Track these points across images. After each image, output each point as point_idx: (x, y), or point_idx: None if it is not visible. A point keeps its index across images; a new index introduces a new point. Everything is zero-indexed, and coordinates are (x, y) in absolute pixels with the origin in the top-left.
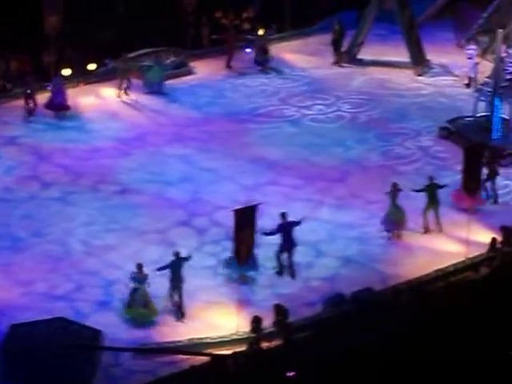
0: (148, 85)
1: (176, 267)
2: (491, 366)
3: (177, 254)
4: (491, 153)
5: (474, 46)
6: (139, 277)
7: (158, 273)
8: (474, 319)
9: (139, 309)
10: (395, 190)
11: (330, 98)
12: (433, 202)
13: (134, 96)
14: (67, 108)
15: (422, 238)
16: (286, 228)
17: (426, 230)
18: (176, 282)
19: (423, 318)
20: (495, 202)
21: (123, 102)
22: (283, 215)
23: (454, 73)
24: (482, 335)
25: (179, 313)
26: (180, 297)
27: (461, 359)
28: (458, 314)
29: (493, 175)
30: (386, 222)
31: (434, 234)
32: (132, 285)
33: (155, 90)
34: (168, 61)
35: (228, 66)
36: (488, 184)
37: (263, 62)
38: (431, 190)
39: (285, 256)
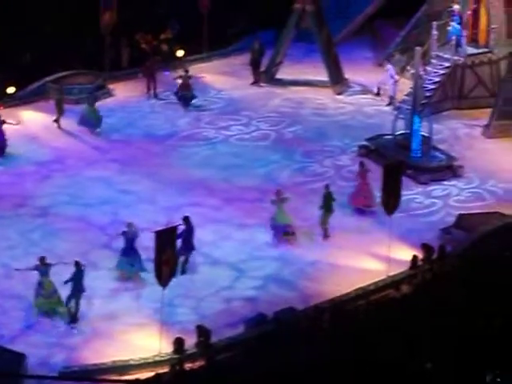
0: (84, 121)
1: (77, 277)
2: (410, 380)
3: (77, 264)
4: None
5: (391, 65)
6: (42, 269)
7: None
8: (396, 336)
9: (45, 300)
10: (279, 200)
11: (249, 118)
12: (328, 209)
13: (52, 119)
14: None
15: (343, 257)
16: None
17: (326, 236)
18: (76, 292)
19: (345, 337)
20: None
21: (43, 125)
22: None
23: (373, 91)
24: (404, 351)
25: (74, 318)
26: (77, 305)
27: (381, 374)
28: (379, 331)
29: None
30: (275, 226)
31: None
32: (38, 278)
33: (91, 127)
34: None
35: (155, 95)
36: None
37: (183, 98)
38: (327, 198)
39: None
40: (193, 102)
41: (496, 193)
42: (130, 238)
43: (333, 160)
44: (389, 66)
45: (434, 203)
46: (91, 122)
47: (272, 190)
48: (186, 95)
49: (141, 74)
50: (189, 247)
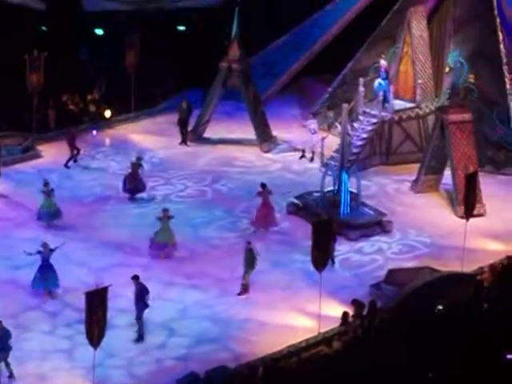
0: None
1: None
2: None
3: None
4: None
5: (313, 120)
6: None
7: None
8: None
9: None
10: (164, 217)
11: (177, 177)
12: (249, 265)
13: None
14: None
15: (274, 314)
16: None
17: (245, 290)
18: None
19: None
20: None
21: None
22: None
23: (300, 148)
24: None
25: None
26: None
27: None
28: None
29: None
30: (154, 243)
31: (283, 309)
32: None
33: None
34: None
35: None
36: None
37: (132, 190)
38: (249, 255)
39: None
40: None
41: (425, 247)
42: (46, 256)
43: None
44: (310, 123)
45: (364, 259)
46: (49, 213)
47: (200, 247)
48: (135, 186)
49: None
50: (142, 306)
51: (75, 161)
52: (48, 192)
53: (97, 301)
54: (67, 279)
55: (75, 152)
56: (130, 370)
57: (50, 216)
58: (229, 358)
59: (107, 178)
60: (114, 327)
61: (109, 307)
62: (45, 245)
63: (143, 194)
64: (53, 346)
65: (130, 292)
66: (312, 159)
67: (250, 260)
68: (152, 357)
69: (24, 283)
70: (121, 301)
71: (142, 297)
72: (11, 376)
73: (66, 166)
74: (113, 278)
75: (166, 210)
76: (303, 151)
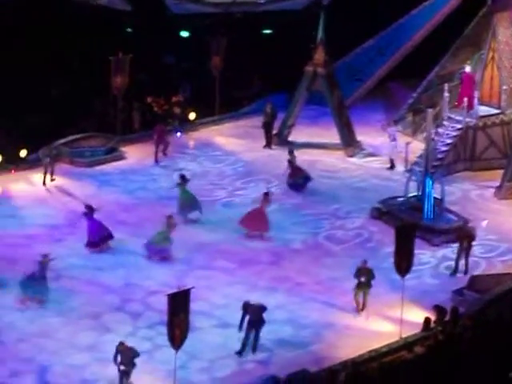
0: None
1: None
2: None
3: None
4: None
5: (394, 128)
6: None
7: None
8: None
9: None
10: (168, 224)
11: (261, 180)
12: (365, 284)
13: (64, 181)
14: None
15: (356, 319)
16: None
17: (358, 311)
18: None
19: None
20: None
21: (55, 187)
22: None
23: (383, 154)
24: None
25: None
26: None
27: None
28: None
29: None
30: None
31: (365, 315)
32: None
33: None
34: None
35: (155, 160)
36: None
37: (295, 185)
38: (366, 272)
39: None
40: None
41: (508, 253)
42: (44, 267)
43: (344, 222)
44: (391, 129)
45: (447, 265)
46: (192, 205)
47: (284, 251)
48: (297, 181)
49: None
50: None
51: (159, 158)
52: (183, 185)
53: (179, 303)
54: (149, 280)
55: (162, 147)
56: (211, 373)
57: (189, 208)
58: (310, 361)
59: (192, 180)
60: (196, 329)
61: (191, 310)
62: (45, 256)
63: (229, 198)
64: (135, 347)
65: (212, 295)
66: (391, 167)
67: (368, 280)
68: (233, 360)
69: (106, 284)
70: (203, 304)
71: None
72: None
73: (156, 161)
74: (195, 281)
75: (170, 217)
76: (392, 161)
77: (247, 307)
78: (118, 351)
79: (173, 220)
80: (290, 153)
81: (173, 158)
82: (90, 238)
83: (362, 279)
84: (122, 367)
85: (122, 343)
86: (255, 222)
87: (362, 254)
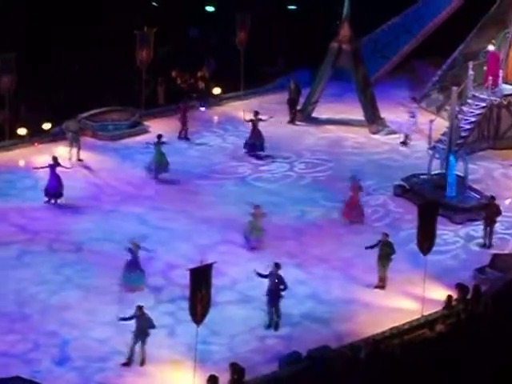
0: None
1: (139, 322)
2: None
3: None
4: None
5: (415, 105)
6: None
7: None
8: (430, 376)
9: None
10: (258, 214)
11: (284, 156)
12: (383, 257)
13: (87, 155)
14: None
15: (377, 296)
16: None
17: (383, 284)
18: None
19: (380, 376)
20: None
21: (78, 161)
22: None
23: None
24: None
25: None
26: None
27: None
28: (412, 371)
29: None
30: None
31: (387, 291)
32: None
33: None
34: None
35: (179, 137)
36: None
37: (251, 146)
38: (386, 245)
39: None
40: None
41: None
42: (135, 254)
43: (368, 199)
44: (411, 106)
45: (469, 243)
46: (158, 166)
47: (307, 229)
48: (254, 143)
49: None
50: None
51: (182, 137)
52: (158, 145)
53: (201, 277)
54: (171, 255)
55: (185, 125)
56: (232, 348)
57: (158, 170)
58: (331, 337)
59: (213, 155)
60: (218, 304)
61: (213, 284)
62: (134, 242)
63: (252, 174)
64: (155, 321)
65: (234, 270)
66: (404, 143)
67: (387, 253)
68: (254, 335)
69: (127, 258)
70: (225, 278)
71: (278, 289)
72: (143, 362)
73: (185, 137)
74: (217, 255)
75: (257, 207)
76: (406, 137)
77: (270, 274)
78: (135, 315)
79: (260, 210)
80: (256, 114)
81: (196, 132)
82: (48, 187)
83: (382, 251)
84: (135, 333)
85: (140, 307)
86: (354, 212)
87: (385, 231)
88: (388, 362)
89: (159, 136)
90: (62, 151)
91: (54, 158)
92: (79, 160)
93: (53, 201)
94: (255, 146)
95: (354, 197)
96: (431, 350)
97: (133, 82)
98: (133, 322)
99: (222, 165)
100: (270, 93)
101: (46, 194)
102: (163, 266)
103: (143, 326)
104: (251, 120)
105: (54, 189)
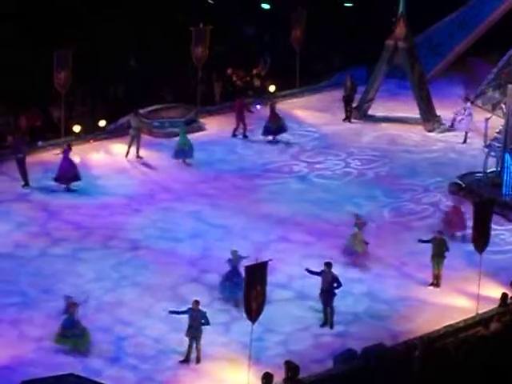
0: (179, 152)
1: (193, 317)
2: None
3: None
4: None
5: (468, 104)
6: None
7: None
8: (485, 375)
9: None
10: (360, 224)
11: (340, 154)
12: (437, 255)
13: (143, 152)
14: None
15: (432, 294)
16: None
17: (438, 282)
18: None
19: (434, 374)
20: None
21: (137, 158)
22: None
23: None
24: None
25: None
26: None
27: None
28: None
29: None
30: (346, 251)
31: (442, 289)
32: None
33: (186, 156)
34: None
35: (233, 135)
36: None
37: (269, 130)
38: (439, 242)
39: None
40: (280, 135)
41: None
42: (234, 264)
43: (423, 197)
44: (467, 105)
45: None
46: (185, 151)
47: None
48: (271, 126)
49: (259, 105)
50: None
51: (237, 134)
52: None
53: (256, 275)
54: (227, 252)
55: (241, 124)
56: (287, 346)
57: (185, 153)
58: (386, 335)
59: (269, 153)
60: (273, 302)
61: (268, 282)
62: (234, 252)
63: (307, 171)
64: (210, 319)
65: (289, 267)
66: (465, 141)
67: (441, 251)
68: (309, 333)
69: (185, 255)
70: (281, 276)
71: (331, 288)
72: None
73: (233, 135)
74: (273, 253)
75: (359, 218)
76: (466, 134)
77: (322, 272)
78: (188, 309)
79: (361, 220)
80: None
81: (252, 130)
82: (58, 174)
83: (436, 249)
84: (190, 330)
85: (197, 302)
86: (457, 223)
87: (440, 229)
88: (442, 360)
89: (186, 121)
90: (117, 148)
91: (68, 145)
92: (138, 157)
93: (64, 185)
94: (269, 128)
95: (457, 208)
96: (486, 349)
97: (189, 78)
98: (185, 318)
99: (277, 162)
100: (326, 90)
101: (59, 179)
102: (218, 264)
103: (197, 322)
104: (270, 104)
105: (66, 172)
